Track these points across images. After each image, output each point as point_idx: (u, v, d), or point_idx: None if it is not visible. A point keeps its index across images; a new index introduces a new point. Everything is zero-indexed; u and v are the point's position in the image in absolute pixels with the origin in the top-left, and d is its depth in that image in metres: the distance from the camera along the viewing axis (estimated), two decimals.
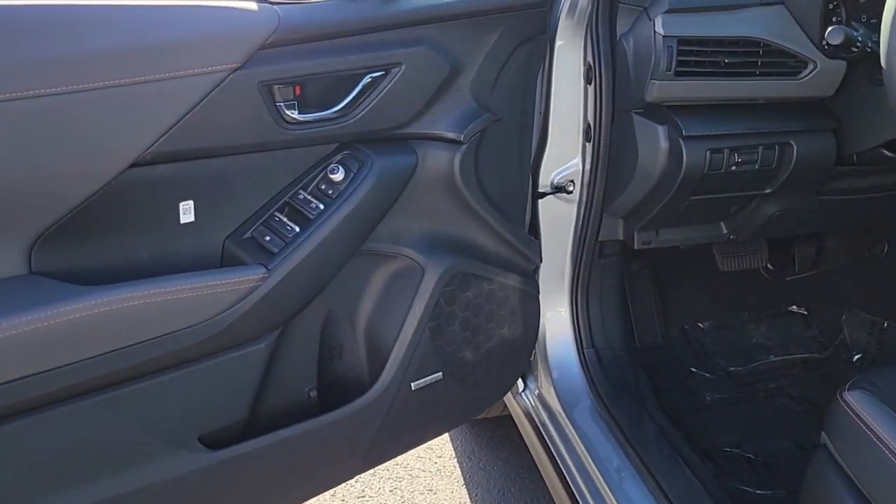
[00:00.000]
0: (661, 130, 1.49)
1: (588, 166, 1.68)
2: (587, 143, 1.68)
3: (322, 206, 1.26)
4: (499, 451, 2.23)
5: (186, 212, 1.20)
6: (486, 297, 1.51)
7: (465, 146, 1.38)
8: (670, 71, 1.42)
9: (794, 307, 2.10)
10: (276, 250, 1.23)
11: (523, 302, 1.58)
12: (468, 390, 1.54)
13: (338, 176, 1.28)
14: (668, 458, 1.57)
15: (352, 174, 1.29)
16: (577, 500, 1.58)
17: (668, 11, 1.43)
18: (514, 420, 1.88)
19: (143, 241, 1.17)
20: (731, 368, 1.99)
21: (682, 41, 1.42)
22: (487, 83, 1.39)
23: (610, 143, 1.62)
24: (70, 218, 1.08)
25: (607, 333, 1.80)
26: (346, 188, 1.28)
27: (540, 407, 1.74)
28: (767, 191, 1.56)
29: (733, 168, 1.49)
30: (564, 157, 1.71)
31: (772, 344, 2.06)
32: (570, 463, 1.66)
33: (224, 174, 1.21)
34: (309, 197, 1.27)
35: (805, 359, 2.00)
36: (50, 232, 1.08)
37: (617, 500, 1.50)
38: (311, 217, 1.26)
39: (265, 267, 1.21)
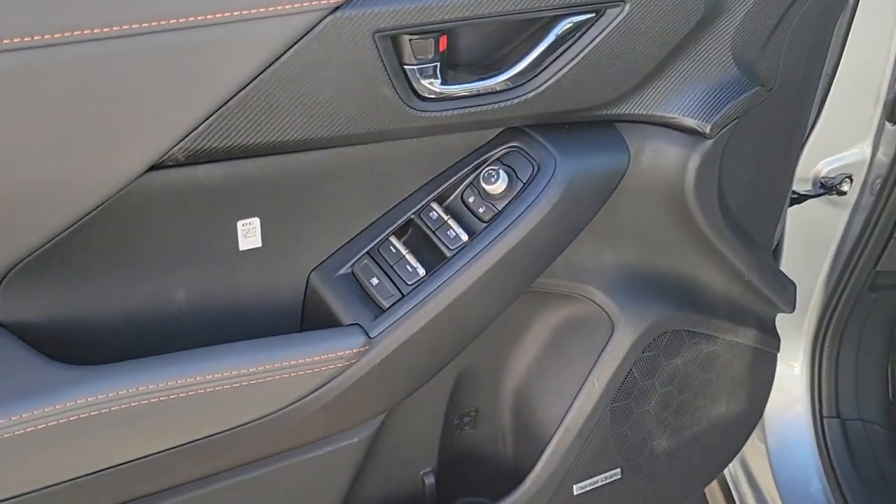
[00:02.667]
0: None
1: (884, 157, 1.08)
2: (887, 124, 1.08)
3: (466, 236, 0.77)
4: None
5: (249, 234, 0.74)
6: (702, 363, 0.99)
7: (710, 142, 0.83)
8: None
9: None
10: (385, 304, 0.76)
11: (755, 365, 1.05)
12: (654, 489, 1.05)
13: (497, 185, 0.78)
14: None
15: (520, 184, 0.78)
16: None
17: None
18: None
19: (178, 278, 0.73)
20: None
21: None
22: (760, 35, 0.82)
23: None
24: (53, 246, 0.66)
25: (861, 399, 1.24)
26: (511, 207, 0.77)
27: (748, 495, 1.23)
28: None
29: None
30: (841, 140, 1.12)
31: None
32: None
33: (309, 178, 0.74)
34: (446, 217, 0.78)
35: None
36: (23, 265, 0.67)
37: None
38: (449, 252, 0.77)
39: (365, 333, 0.75)
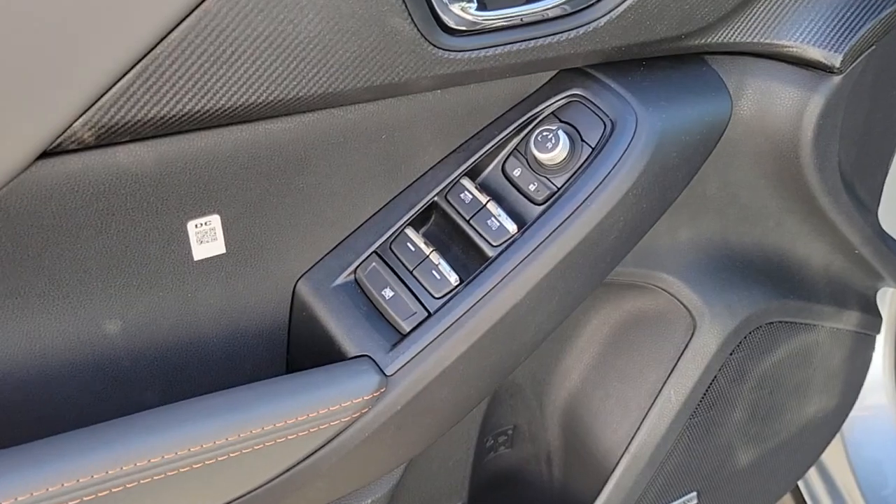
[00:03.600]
0: None
1: None
2: None
3: (514, 227, 0.55)
4: None
5: (205, 237, 0.52)
6: (799, 358, 0.79)
7: (838, 78, 0.60)
8: None
9: None
10: (406, 327, 0.54)
11: (855, 353, 0.85)
12: (726, 502, 0.86)
13: (555, 153, 0.55)
14: None
15: (587, 149, 0.55)
16: None
17: None
18: None
19: (108, 304, 0.51)
20: None
21: None
22: None
23: None
24: None
25: None
26: (577, 182, 0.54)
27: (822, 497, 1.05)
28: None
29: None
30: None
31: None
32: None
33: (287, 154, 0.51)
34: (484, 200, 0.56)
35: None
36: None
37: None
38: (491, 251, 0.55)
39: (379, 370, 0.53)
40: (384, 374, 0.53)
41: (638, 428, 0.72)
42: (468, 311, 0.54)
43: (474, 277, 0.54)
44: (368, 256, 0.56)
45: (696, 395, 0.72)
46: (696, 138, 0.59)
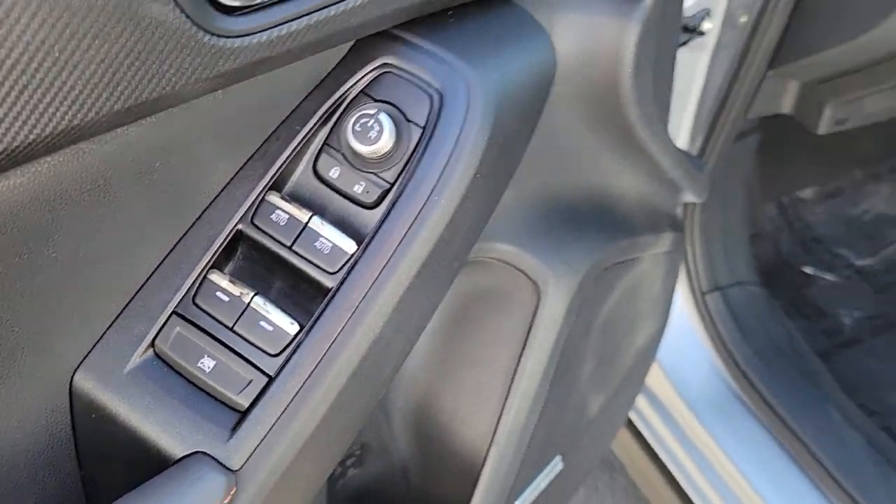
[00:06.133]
0: None
1: None
2: None
3: (352, 244, 0.43)
4: None
5: None
6: (630, 293, 0.76)
7: (648, 2, 0.55)
8: None
9: None
10: (244, 403, 0.41)
11: (670, 272, 0.85)
12: (592, 454, 0.84)
13: (380, 142, 0.44)
14: (852, 456, 0.99)
15: (416, 129, 0.45)
16: None
17: None
18: None
19: None
20: (859, 262, 1.39)
21: None
22: None
23: None
24: None
25: (733, 261, 1.11)
26: (414, 174, 0.44)
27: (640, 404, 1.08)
28: None
29: None
30: None
31: (894, 213, 1.45)
32: (698, 478, 1.05)
33: (27, 216, 0.35)
34: (304, 217, 0.44)
35: None
36: None
37: None
38: (331, 280, 0.43)
39: (222, 467, 0.40)
40: (230, 470, 0.40)
41: (500, 415, 0.66)
42: (319, 362, 0.42)
43: (317, 319, 0.43)
44: (168, 320, 0.42)
45: (552, 363, 0.67)
46: (531, 92, 0.51)
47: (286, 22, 0.37)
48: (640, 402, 1.11)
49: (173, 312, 0.42)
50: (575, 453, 0.78)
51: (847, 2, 0.84)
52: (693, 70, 0.98)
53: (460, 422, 0.67)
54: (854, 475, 0.93)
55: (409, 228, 0.44)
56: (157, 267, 0.42)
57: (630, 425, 1.10)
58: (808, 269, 1.38)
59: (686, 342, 1.07)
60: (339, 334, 0.42)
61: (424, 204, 0.44)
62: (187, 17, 0.33)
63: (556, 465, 0.76)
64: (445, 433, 0.68)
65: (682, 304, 1.07)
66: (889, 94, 0.97)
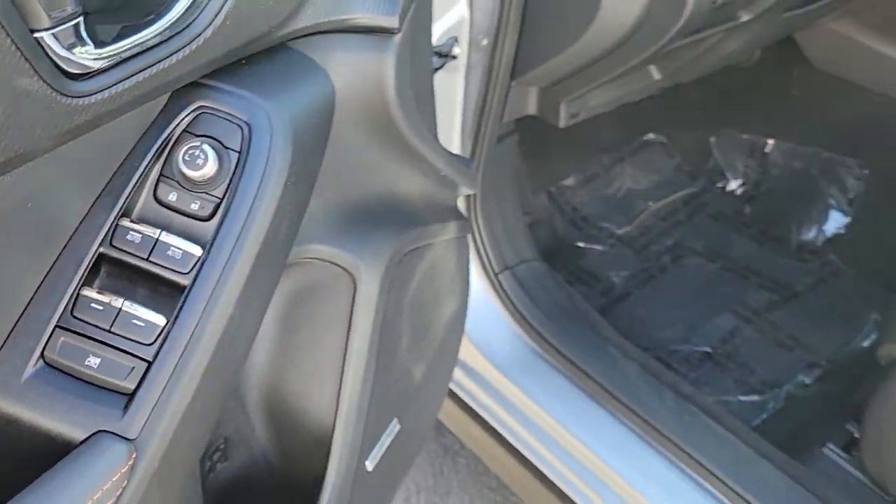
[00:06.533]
0: None
1: (484, 15, 1.08)
2: None
3: (198, 248, 0.54)
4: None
5: None
6: (430, 274, 0.92)
7: (399, 35, 0.71)
8: None
9: (652, 135, 1.79)
10: (131, 386, 0.51)
11: (461, 255, 1.02)
12: (425, 417, 0.98)
13: (207, 167, 0.55)
14: (631, 381, 1.21)
15: (233, 154, 0.57)
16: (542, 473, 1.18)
17: None
18: None
19: None
20: (619, 232, 1.65)
21: None
22: None
23: None
24: None
25: (515, 243, 1.31)
26: (240, 187, 0.55)
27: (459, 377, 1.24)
28: (744, 19, 1.12)
29: None
30: (439, 4, 1.08)
31: (643, 186, 1.74)
32: (517, 427, 1.23)
33: None
34: (155, 234, 0.54)
35: (684, 198, 1.72)
36: None
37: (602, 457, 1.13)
38: (186, 279, 0.54)
39: (121, 438, 0.50)
40: (128, 439, 0.50)
41: (340, 388, 0.78)
42: (187, 344, 0.53)
43: (180, 310, 0.53)
44: (52, 333, 0.51)
45: (374, 339, 0.80)
46: (319, 117, 0.64)
47: (120, 81, 0.48)
48: (459, 375, 1.28)
49: (56, 326, 0.51)
50: (408, 416, 0.92)
51: (558, 20, 1.05)
52: (453, 88, 1.17)
53: (306, 402, 0.79)
54: (634, 395, 1.14)
55: (241, 230, 0.56)
56: (36, 291, 0.51)
57: (455, 397, 1.26)
58: (580, 244, 1.62)
59: (488, 316, 1.25)
60: (199, 320, 0.53)
61: (250, 209, 0.56)
62: (48, 85, 0.43)
63: (395, 426, 0.89)
64: (295, 415, 0.79)
65: (480, 284, 1.25)
66: (604, 90, 1.20)
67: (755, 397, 1.32)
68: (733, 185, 1.72)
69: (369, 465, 0.85)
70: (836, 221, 1.60)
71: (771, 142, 1.67)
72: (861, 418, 1.12)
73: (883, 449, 1.10)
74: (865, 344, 1.23)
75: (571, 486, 1.18)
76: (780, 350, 1.40)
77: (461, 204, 1.24)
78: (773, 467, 1.08)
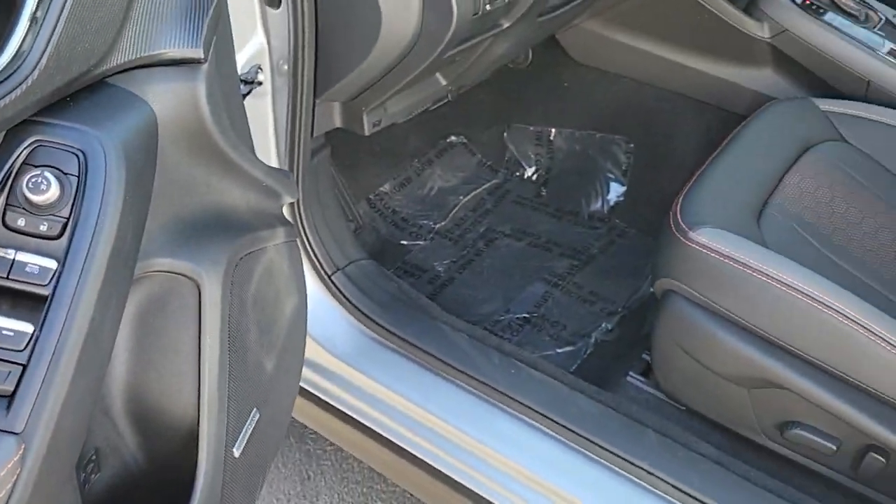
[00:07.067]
0: None
1: (281, 42, 1.19)
2: (269, 9, 1.19)
3: (53, 262, 0.62)
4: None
5: None
6: (267, 275, 1.02)
7: (206, 65, 0.81)
8: None
9: (453, 137, 1.97)
10: (9, 388, 0.58)
11: (293, 258, 1.12)
12: (277, 405, 1.07)
13: (50, 191, 0.63)
14: (462, 350, 1.37)
15: (73, 178, 0.65)
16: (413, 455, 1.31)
17: None
18: None
19: None
20: (436, 226, 1.81)
21: None
22: None
23: (316, 6, 1.16)
24: None
25: (343, 247, 1.43)
26: (84, 205, 0.64)
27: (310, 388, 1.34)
28: (505, 26, 1.31)
29: (487, 8, 1.19)
30: (240, 35, 1.18)
31: (451, 183, 1.92)
32: (372, 412, 1.35)
33: None
34: (11, 255, 0.61)
35: (489, 189, 1.92)
36: None
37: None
38: (46, 290, 0.61)
39: (8, 433, 0.57)
40: (15, 433, 0.57)
41: (199, 384, 0.87)
42: (57, 343, 0.61)
43: (45, 318, 0.61)
44: None
45: (224, 335, 0.89)
46: (145, 141, 0.73)
47: None
48: (309, 373, 1.37)
49: None
50: (266, 405, 1.01)
51: (348, 41, 1.19)
52: (264, 111, 1.28)
53: (169, 402, 0.87)
54: (466, 361, 1.29)
55: (91, 240, 0.64)
56: None
57: (308, 395, 1.36)
58: (404, 242, 1.77)
59: (326, 314, 1.36)
60: (64, 323, 0.61)
61: (97, 222, 0.64)
62: None
63: (255, 415, 0.98)
64: (160, 416, 0.87)
65: (314, 286, 1.36)
66: (400, 98, 1.36)
67: (569, 348, 1.52)
68: (529, 172, 1.94)
69: (236, 451, 0.93)
70: (615, 191, 1.85)
71: (553, 130, 1.91)
72: (650, 347, 1.34)
73: (669, 368, 1.32)
74: (651, 289, 1.45)
75: (427, 452, 1.31)
76: (585, 305, 1.62)
77: (287, 212, 1.34)
78: (588, 399, 1.27)
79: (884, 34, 1.62)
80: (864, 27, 1.62)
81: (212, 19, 0.81)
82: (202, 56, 0.79)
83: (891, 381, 1.14)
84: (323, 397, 1.38)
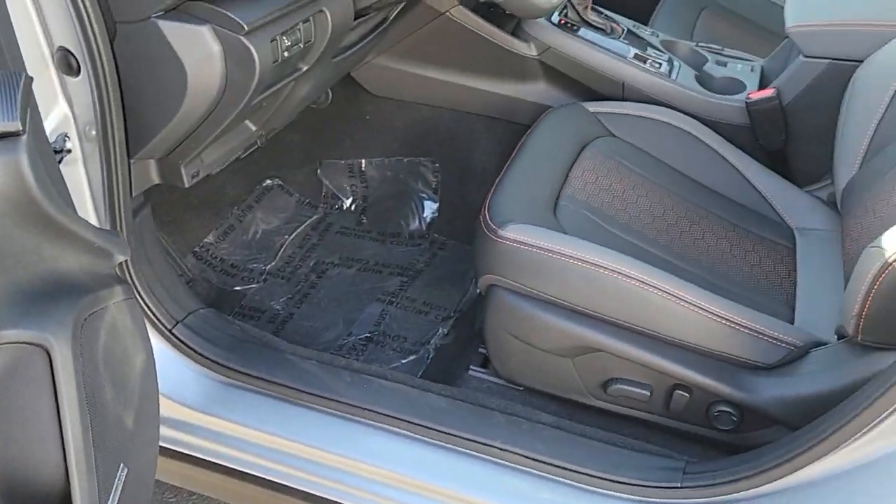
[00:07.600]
0: (206, 31, 1.15)
1: (86, 108, 1.21)
2: (69, 78, 1.20)
3: None
4: None
5: None
6: (113, 332, 1.03)
7: (26, 136, 0.84)
8: None
9: (269, 181, 2.03)
10: None
11: (133, 313, 1.13)
12: (141, 458, 1.08)
13: None
14: (313, 375, 1.43)
15: None
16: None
17: None
18: None
19: None
20: (266, 267, 1.85)
21: None
22: None
23: (117, 69, 1.19)
24: None
25: (180, 301, 1.44)
26: None
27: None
28: (304, 69, 1.39)
29: (286, 55, 1.27)
30: (44, 105, 1.19)
31: (274, 225, 1.97)
32: (238, 455, 1.37)
33: None
34: None
35: (312, 224, 1.98)
36: None
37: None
38: None
39: None
40: None
41: (64, 447, 0.88)
42: None
43: None
44: None
45: (81, 395, 0.90)
46: None
47: None
48: (168, 432, 1.38)
49: None
50: (132, 459, 1.02)
51: (155, 100, 1.23)
52: (78, 177, 1.28)
53: (37, 473, 0.87)
54: (318, 385, 1.36)
55: None
56: None
57: (169, 452, 1.36)
58: (237, 288, 1.80)
59: (172, 367, 1.37)
60: None
61: None
62: None
63: (123, 470, 0.99)
64: (31, 488, 0.87)
65: (158, 343, 1.37)
66: (215, 148, 1.41)
67: (413, 356, 1.62)
68: (347, 203, 2.04)
69: None
70: (429, 208, 1.99)
71: (364, 161, 2.02)
72: (484, 340, 1.47)
73: (503, 355, 1.46)
74: (478, 290, 1.59)
75: (299, 480, 1.35)
76: (420, 316, 1.73)
77: (120, 272, 1.35)
78: (437, 395, 1.38)
79: (627, 42, 1.88)
80: (612, 38, 1.88)
81: (23, 92, 0.84)
82: (20, 128, 0.82)
83: (682, 328, 1.34)
84: (186, 451, 1.39)
